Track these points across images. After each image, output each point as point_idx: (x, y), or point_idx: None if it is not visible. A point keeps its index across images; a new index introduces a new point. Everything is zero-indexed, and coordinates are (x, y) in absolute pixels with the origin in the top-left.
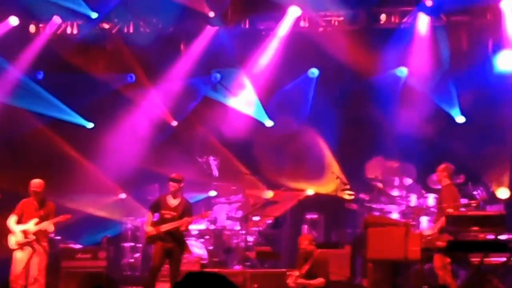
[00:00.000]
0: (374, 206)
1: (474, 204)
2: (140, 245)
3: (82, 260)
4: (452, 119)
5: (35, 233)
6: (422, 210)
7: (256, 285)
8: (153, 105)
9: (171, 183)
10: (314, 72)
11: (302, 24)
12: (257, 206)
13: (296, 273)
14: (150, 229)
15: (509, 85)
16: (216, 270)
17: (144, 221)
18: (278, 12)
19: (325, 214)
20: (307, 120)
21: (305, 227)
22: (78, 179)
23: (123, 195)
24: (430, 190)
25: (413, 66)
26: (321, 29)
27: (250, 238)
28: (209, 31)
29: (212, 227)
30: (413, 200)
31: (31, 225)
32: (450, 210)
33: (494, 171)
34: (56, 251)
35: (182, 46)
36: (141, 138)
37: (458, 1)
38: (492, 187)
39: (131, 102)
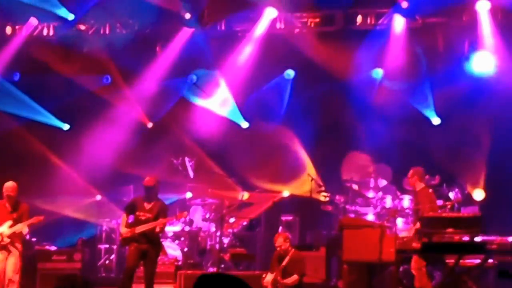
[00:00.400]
0: (349, 207)
1: (449, 206)
2: (115, 246)
3: (58, 262)
4: (427, 120)
5: (9, 236)
6: (397, 211)
7: None
8: (129, 107)
9: (145, 185)
10: (290, 73)
11: (278, 25)
12: (232, 208)
13: (271, 275)
14: (125, 231)
15: (484, 86)
16: (190, 271)
17: (119, 223)
18: (254, 14)
19: (300, 215)
20: (283, 121)
21: (280, 229)
22: (54, 180)
23: (98, 197)
24: (405, 191)
25: (389, 68)
26: (297, 30)
27: (225, 240)
28: (185, 33)
29: (187, 228)
30: (388, 201)
31: (5, 228)
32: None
33: (469, 172)
34: (32, 252)
35: (158, 48)
36: (117, 140)
37: (433, 3)
38: (467, 188)
39: (107, 103)
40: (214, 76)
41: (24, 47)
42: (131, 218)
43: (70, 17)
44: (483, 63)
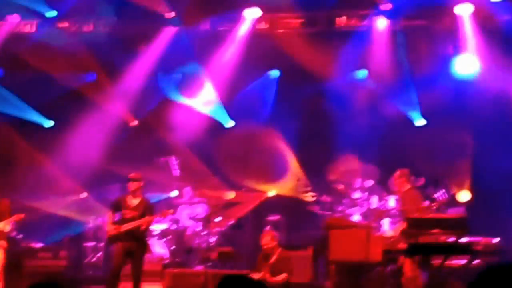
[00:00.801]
0: (335, 208)
1: (435, 207)
2: (102, 244)
3: (44, 259)
4: (412, 121)
5: None
6: (383, 212)
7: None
8: (113, 105)
9: (130, 183)
10: (274, 73)
11: (262, 25)
12: (219, 207)
13: (258, 274)
14: (110, 229)
15: (468, 88)
16: (177, 270)
17: (105, 221)
18: (238, 13)
19: (287, 215)
20: (268, 121)
21: (268, 228)
22: (39, 178)
23: (84, 195)
24: (391, 192)
25: (373, 69)
26: (280, 30)
27: (212, 239)
28: (169, 31)
29: (174, 227)
30: (375, 202)
31: None
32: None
33: (454, 173)
34: (17, 249)
35: (142, 46)
36: (102, 138)
37: (417, 5)
38: (453, 189)
39: (91, 101)
40: (198, 75)
41: (6, 44)
42: (117, 216)
43: (52, 14)
44: (466, 65)
